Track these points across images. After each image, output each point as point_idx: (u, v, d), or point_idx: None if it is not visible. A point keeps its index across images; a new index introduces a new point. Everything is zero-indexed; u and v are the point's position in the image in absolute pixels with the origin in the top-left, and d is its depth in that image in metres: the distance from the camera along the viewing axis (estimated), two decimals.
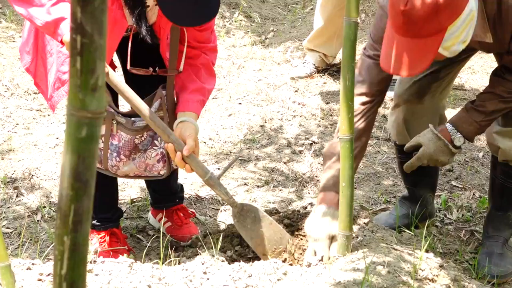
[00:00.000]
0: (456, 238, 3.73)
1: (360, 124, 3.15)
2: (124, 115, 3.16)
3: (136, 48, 3.12)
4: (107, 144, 3.16)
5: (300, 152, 4.60)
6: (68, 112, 1.29)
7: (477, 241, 3.70)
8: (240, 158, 4.53)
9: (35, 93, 5.19)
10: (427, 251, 3.08)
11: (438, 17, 2.62)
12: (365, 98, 3.16)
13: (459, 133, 3.14)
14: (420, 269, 2.80)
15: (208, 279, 2.79)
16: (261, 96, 5.35)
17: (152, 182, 3.66)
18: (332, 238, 2.95)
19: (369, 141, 4.69)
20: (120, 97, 3.21)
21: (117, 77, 2.93)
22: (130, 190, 4.11)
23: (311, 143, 4.69)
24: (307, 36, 6.04)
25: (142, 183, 4.10)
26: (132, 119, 3.13)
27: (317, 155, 4.54)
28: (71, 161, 1.31)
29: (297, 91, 5.45)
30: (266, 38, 6.68)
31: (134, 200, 4.03)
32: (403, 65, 2.73)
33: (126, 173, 3.25)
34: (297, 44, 6.40)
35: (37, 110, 5.00)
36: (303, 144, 4.69)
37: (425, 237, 3.08)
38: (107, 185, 3.49)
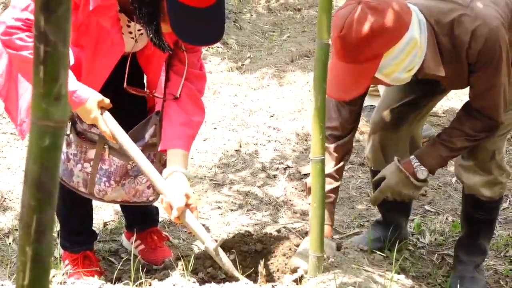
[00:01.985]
0: (428, 261, 3.74)
1: (338, 164, 3.24)
2: None
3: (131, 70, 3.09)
4: (96, 168, 3.10)
5: (275, 176, 4.61)
6: (31, 121, 1.29)
7: (449, 265, 3.71)
8: (214, 182, 4.53)
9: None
10: (398, 273, 3.08)
11: (372, 43, 2.67)
12: (339, 135, 3.22)
13: (422, 166, 3.15)
14: None
15: None
16: (236, 121, 5.36)
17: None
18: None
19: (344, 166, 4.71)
20: None
21: (117, 128, 2.90)
22: (103, 213, 4.09)
23: (286, 167, 4.70)
24: (283, 63, 6.05)
25: (116, 205, 4.08)
26: None
27: (291, 179, 4.55)
28: (34, 170, 1.30)
29: (272, 116, 5.47)
30: (242, 65, 6.70)
31: (107, 223, 4.01)
32: (340, 89, 2.81)
33: (113, 198, 3.19)
34: (273, 70, 6.42)
35: (11, 134, 4.97)
36: (277, 169, 4.70)
37: (396, 259, 3.08)
38: (82, 208, 3.47)
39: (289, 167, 4.71)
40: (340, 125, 3.20)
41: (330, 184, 3.18)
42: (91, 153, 3.09)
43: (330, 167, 3.21)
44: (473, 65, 2.90)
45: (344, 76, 2.77)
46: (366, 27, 2.66)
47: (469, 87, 3.08)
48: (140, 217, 3.70)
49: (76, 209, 3.43)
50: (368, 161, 3.70)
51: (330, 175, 3.19)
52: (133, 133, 3.11)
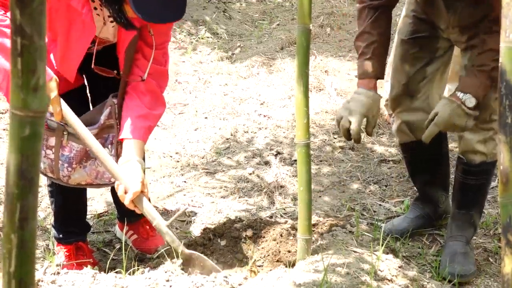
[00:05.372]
0: (418, 241, 3.79)
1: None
2: None
3: (101, 52, 3.15)
4: (57, 154, 3.14)
5: (266, 162, 4.65)
6: (10, 112, 1.33)
7: (439, 245, 3.76)
8: (206, 170, 4.57)
9: (1, 113, 5.21)
10: (387, 253, 3.13)
11: None
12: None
13: (468, 94, 3.24)
14: (379, 269, 2.85)
15: (171, 286, 2.82)
16: (227, 109, 5.41)
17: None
18: (366, 116, 3.33)
19: (334, 150, 4.76)
20: None
21: (72, 115, 2.94)
22: (97, 205, 4.14)
23: (277, 154, 4.74)
24: (273, 51, 6.10)
25: (108, 197, 4.12)
26: None
27: (282, 165, 4.59)
28: (15, 159, 1.35)
29: (262, 104, 5.51)
30: (233, 54, 6.74)
31: (101, 214, 4.06)
32: None
33: (77, 181, 3.22)
34: (263, 59, 6.46)
35: (4, 130, 5.01)
36: (268, 155, 4.74)
37: (384, 239, 3.13)
38: (75, 199, 3.51)
39: (280, 153, 4.76)
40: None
41: (365, 40, 3.41)
42: (52, 141, 3.13)
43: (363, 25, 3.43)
44: None
45: None
46: None
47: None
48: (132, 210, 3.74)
49: (69, 201, 3.47)
50: (395, 137, 3.84)
51: (363, 32, 3.42)
52: (89, 116, 3.16)
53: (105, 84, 3.22)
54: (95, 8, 2.99)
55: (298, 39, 2.75)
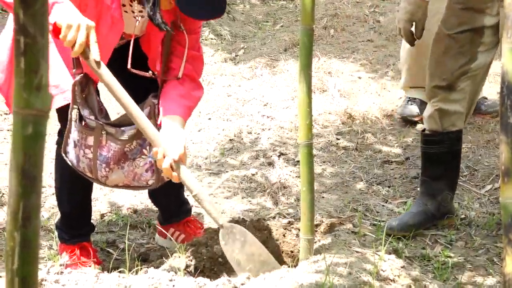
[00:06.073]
0: (421, 242, 3.79)
1: None
2: (114, 125, 3.11)
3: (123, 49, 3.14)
4: (96, 154, 3.12)
5: (269, 163, 4.66)
6: (13, 111, 1.34)
7: (442, 246, 3.76)
8: (209, 171, 4.58)
9: (6, 114, 5.23)
10: (389, 253, 3.14)
11: None
12: None
13: None
14: (382, 270, 2.86)
15: (174, 286, 2.83)
16: (230, 111, 5.42)
17: (160, 197, 3.69)
18: (412, 21, 3.64)
19: (337, 151, 4.77)
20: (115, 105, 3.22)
21: (111, 77, 2.87)
22: (100, 205, 4.15)
23: (280, 155, 4.75)
24: (276, 52, 6.09)
25: (112, 197, 4.14)
26: (122, 128, 3.10)
27: (286, 166, 4.60)
28: (18, 158, 1.36)
29: (266, 105, 5.52)
30: (236, 55, 6.75)
31: (104, 214, 4.07)
32: None
33: (115, 182, 3.19)
34: (266, 60, 6.47)
35: (8, 130, 5.03)
36: (272, 156, 4.75)
37: (386, 239, 3.14)
38: (84, 203, 3.52)
39: (283, 154, 4.77)
40: None
41: None
42: (90, 140, 3.11)
43: None
44: None
45: None
46: None
47: None
48: (177, 207, 3.73)
49: (78, 204, 3.49)
50: (425, 123, 3.87)
51: None
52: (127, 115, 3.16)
53: (140, 84, 3.19)
54: (123, 5, 2.99)
55: (301, 40, 2.76)
